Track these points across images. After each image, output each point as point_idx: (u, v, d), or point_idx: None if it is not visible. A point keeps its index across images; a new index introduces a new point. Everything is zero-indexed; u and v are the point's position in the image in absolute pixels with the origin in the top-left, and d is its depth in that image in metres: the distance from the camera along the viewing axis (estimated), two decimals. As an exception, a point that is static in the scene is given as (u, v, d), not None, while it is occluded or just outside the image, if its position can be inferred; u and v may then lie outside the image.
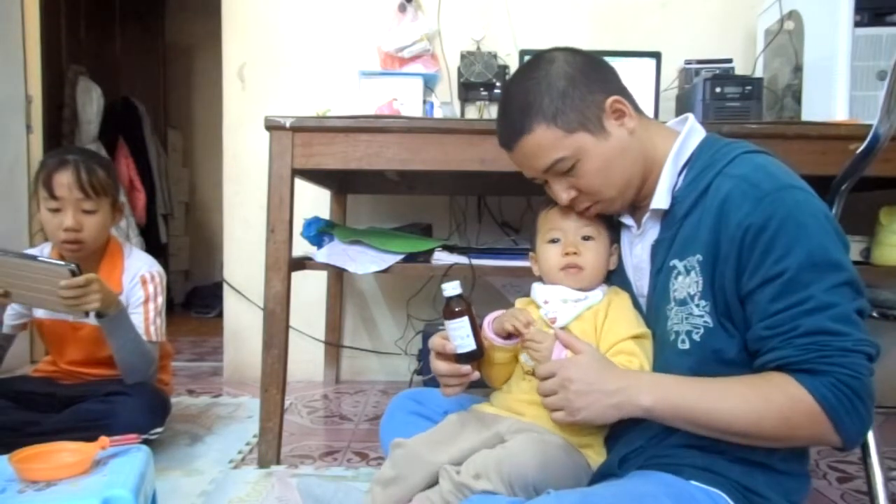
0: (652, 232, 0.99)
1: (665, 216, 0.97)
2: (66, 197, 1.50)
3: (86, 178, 1.51)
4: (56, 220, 1.51)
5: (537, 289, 1.07)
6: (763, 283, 0.84)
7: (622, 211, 1.04)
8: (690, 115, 1.02)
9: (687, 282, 0.91)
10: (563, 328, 1.00)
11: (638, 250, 1.02)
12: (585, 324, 1.00)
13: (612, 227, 1.07)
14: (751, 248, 0.84)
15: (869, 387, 0.81)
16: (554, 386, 0.91)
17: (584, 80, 0.96)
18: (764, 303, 0.84)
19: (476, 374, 1.01)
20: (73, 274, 1.38)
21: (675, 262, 0.93)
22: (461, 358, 1.00)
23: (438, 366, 1.03)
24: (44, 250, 1.65)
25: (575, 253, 1.02)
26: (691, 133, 0.99)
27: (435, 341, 1.04)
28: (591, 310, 1.01)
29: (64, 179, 1.50)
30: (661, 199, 0.96)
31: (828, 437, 0.82)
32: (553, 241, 1.05)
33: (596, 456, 0.98)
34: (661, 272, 0.95)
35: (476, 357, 1.00)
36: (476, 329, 1.00)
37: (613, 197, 0.99)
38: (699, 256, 0.90)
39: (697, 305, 0.90)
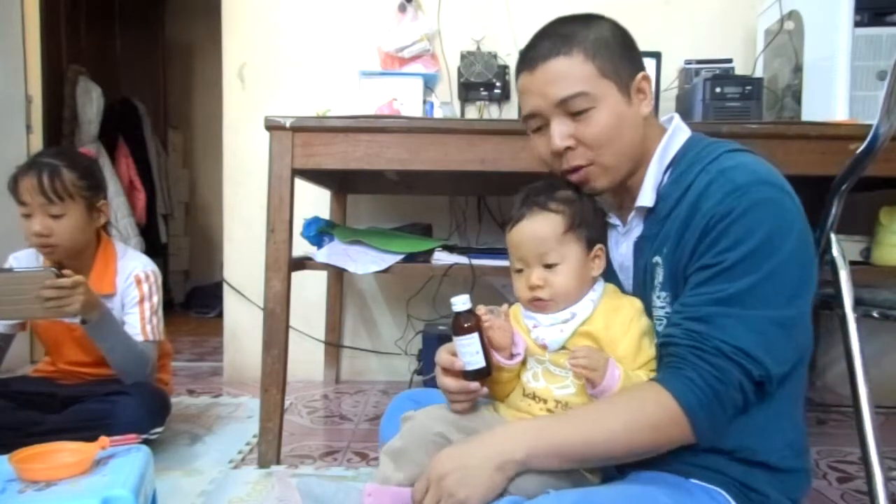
0: (637, 230, 0.99)
1: (649, 214, 0.97)
2: (31, 202, 1.50)
3: (48, 183, 1.48)
4: (27, 225, 1.51)
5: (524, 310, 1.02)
6: (701, 268, 0.84)
7: (607, 190, 1.00)
8: (676, 115, 1.02)
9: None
10: (561, 349, 0.95)
11: (623, 248, 1.02)
12: (585, 341, 0.94)
13: (594, 226, 1.01)
14: (705, 235, 0.84)
15: (733, 397, 0.81)
16: (433, 498, 0.84)
17: (626, 46, 0.97)
18: (693, 284, 0.85)
19: (484, 390, 0.99)
20: (57, 276, 1.38)
21: (657, 258, 0.93)
22: (470, 375, 0.95)
23: (446, 382, 0.98)
24: (39, 258, 1.63)
25: (540, 286, 0.96)
26: (676, 132, 0.99)
27: (442, 357, 0.99)
28: (584, 325, 0.94)
29: (27, 185, 1.49)
30: (646, 197, 0.96)
31: (686, 437, 0.82)
32: (518, 270, 1.00)
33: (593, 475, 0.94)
34: (645, 270, 0.95)
35: (486, 374, 0.95)
36: (486, 345, 0.95)
37: (608, 165, 0.96)
38: (667, 248, 0.90)
39: (658, 297, 0.90)
